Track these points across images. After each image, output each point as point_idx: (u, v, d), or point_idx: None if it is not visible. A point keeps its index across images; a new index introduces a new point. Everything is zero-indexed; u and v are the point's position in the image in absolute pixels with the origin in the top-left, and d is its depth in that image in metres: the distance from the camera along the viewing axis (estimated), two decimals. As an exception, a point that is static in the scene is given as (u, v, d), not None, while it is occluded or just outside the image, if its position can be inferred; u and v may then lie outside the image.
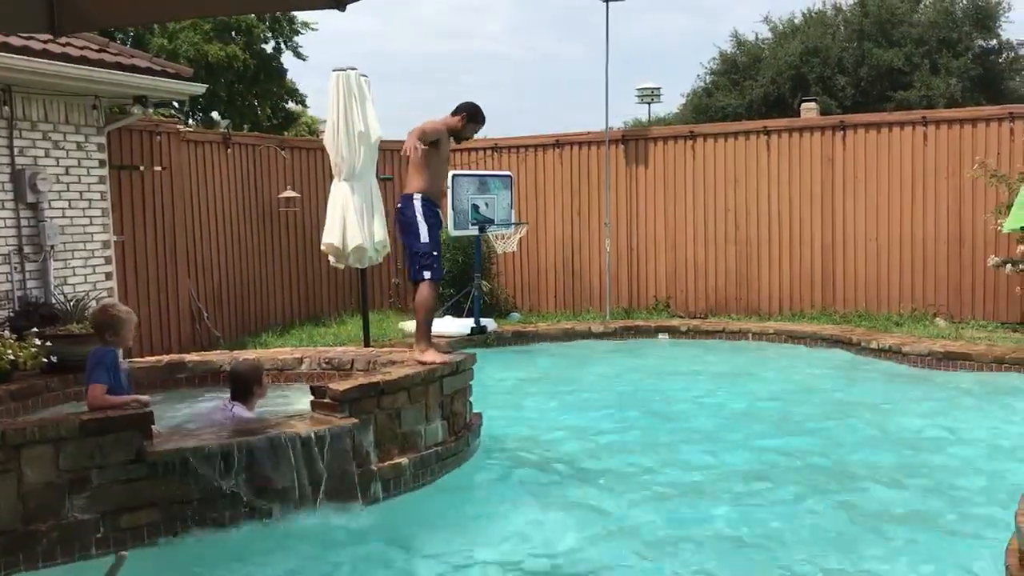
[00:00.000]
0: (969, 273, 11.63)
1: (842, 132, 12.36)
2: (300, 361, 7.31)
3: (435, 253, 6.60)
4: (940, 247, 11.78)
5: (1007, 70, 27.09)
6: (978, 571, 4.49)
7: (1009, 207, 10.20)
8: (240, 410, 5.76)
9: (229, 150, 11.79)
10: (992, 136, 11.49)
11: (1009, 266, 10.84)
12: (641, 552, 4.88)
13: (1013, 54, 27.28)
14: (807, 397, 8.54)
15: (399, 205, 6.75)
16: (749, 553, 4.86)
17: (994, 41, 27.10)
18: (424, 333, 6.56)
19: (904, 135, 12.00)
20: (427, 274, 6.58)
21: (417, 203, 6.61)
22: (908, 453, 6.65)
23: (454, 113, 6.84)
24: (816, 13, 28.91)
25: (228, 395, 5.97)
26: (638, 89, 25.45)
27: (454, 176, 11.73)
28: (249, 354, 6.24)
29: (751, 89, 27.50)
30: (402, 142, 6.62)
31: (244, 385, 5.88)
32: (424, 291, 6.61)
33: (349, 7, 3.64)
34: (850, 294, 12.30)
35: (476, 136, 8.35)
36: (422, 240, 6.56)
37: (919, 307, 11.80)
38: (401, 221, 6.72)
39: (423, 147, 6.47)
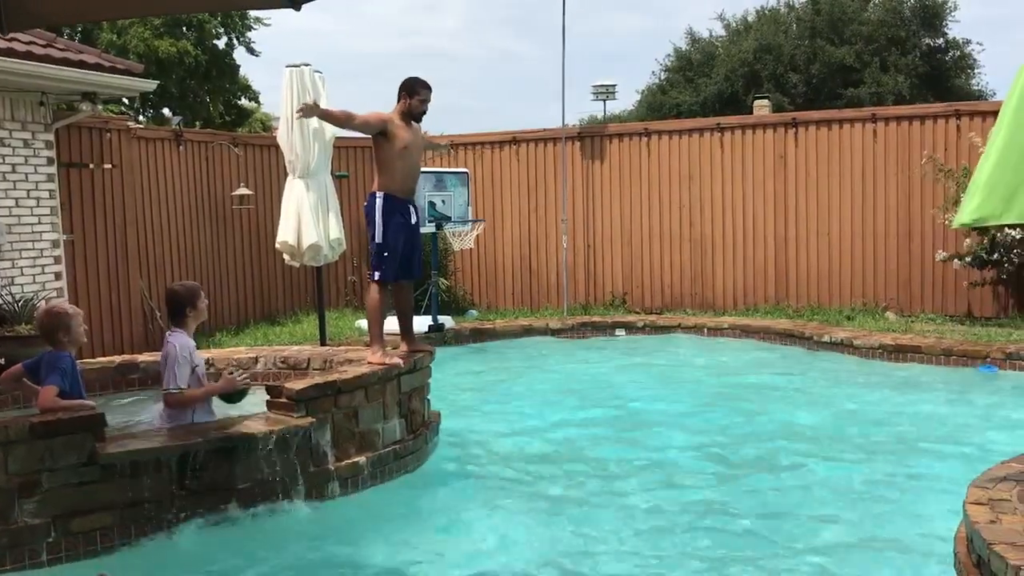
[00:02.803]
0: (918, 267, 11.85)
1: (794, 129, 12.52)
2: (255, 360, 7.24)
3: (386, 254, 6.44)
4: (890, 242, 11.99)
5: (953, 68, 27.64)
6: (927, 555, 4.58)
7: (956, 202, 10.42)
8: (178, 337, 5.48)
9: (181, 147, 11.63)
10: (939, 133, 11.71)
11: (957, 260, 11.07)
12: (600, 550, 4.90)
13: (959, 52, 27.83)
14: (759, 391, 8.66)
15: (365, 203, 6.66)
16: (700, 538, 4.92)
17: (941, 40, 27.64)
18: (374, 334, 6.51)
19: (855, 132, 12.20)
20: (376, 274, 6.51)
21: (378, 201, 6.46)
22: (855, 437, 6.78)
23: (398, 100, 6.60)
24: (769, 11, 29.27)
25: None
26: (594, 86, 25.58)
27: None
28: (203, 354, 6.14)
29: (705, 86, 27.75)
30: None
31: (177, 307, 5.59)
32: (370, 292, 6.57)
33: (304, 6, 3.62)
34: (803, 289, 12.48)
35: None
36: (375, 239, 6.47)
37: (870, 301, 12.00)
38: (367, 223, 6.64)
39: (313, 112, 6.32)
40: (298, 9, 3.61)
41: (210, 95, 25.40)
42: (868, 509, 5.42)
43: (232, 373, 5.82)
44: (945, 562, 4.30)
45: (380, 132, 6.43)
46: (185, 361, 5.40)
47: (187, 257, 11.66)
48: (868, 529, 5.10)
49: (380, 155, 6.49)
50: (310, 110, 6.33)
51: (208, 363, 6.11)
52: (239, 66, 25.95)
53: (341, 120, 6.40)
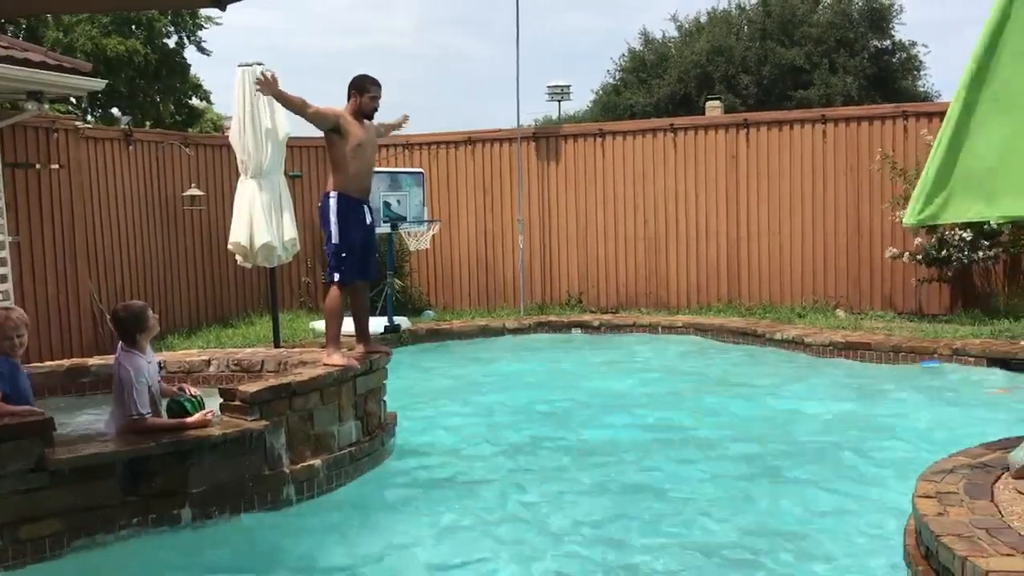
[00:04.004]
0: (867, 265, 12.05)
1: (746, 130, 12.67)
2: (208, 363, 7.16)
3: (344, 255, 6.39)
4: (840, 240, 12.18)
5: (900, 70, 28.12)
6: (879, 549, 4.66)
7: (907, 199, 10.62)
8: (130, 359, 5.33)
9: (131, 147, 11.44)
10: (887, 133, 11.92)
11: (907, 255, 11.27)
12: (560, 553, 4.91)
13: (905, 54, 28.34)
14: (716, 386, 8.75)
15: (320, 203, 6.61)
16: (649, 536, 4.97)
17: (888, 42, 28.12)
18: (331, 335, 6.47)
19: (805, 132, 12.37)
20: (335, 275, 6.45)
21: (332, 202, 6.40)
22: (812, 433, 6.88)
23: (348, 99, 6.55)
24: (721, 13, 29.56)
25: None
26: (548, 87, 25.68)
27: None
28: (155, 356, 6.04)
29: (659, 87, 27.94)
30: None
31: (123, 332, 5.46)
32: (330, 294, 6.51)
33: (231, 5, 3.59)
34: (755, 287, 12.63)
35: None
36: (332, 240, 6.41)
37: (821, 299, 12.18)
38: (321, 223, 6.57)
39: (270, 89, 6.18)
40: (223, 8, 3.59)
41: (160, 94, 25.01)
42: (815, 505, 5.50)
43: (197, 398, 5.61)
44: (895, 555, 4.37)
45: (333, 128, 6.36)
46: (142, 385, 5.26)
47: (137, 258, 11.48)
48: (816, 525, 5.17)
49: (334, 153, 6.43)
50: (267, 85, 6.18)
51: (160, 366, 6.00)
52: (190, 65, 25.58)
53: (296, 105, 6.27)
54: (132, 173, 11.46)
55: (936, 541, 3.72)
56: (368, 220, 6.61)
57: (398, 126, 7.33)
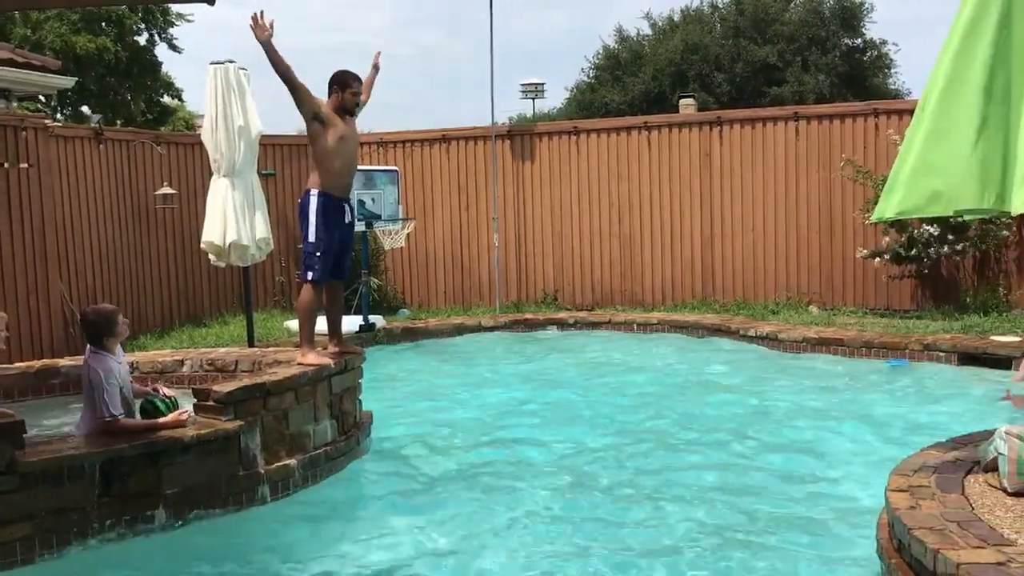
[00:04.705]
0: (840, 262, 12.15)
1: (719, 127, 12.73)
2: (181, 363, 7.10)
3: (318, 253, 6.31)
4: (812, 237, 12.27)
5: (871, 67, 28.38)
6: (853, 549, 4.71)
7: (876, 201, 10.72)
8: (99, 361, 5.29)
9: (102, 146, 11.32)
10: (859, 131, 12.03)
11: (877, 259, 11.38)
12: (536, 551, 4.91)
13: (876, 52, 28.61)
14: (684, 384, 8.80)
15: (299, 200, 6.53)
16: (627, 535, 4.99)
17: (859, 40, 28.37)
18: (304, 335, 6.43)
19: (777, 130, 12.45)
20: (309, 274, 6.39)
21: (312, 199, 6.31)
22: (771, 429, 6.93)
23: (329, 95, 6.44)
24: (694, 11, 29.69)
25: None
26: (522, 85, 25.60)
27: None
28: (127, 357, 5.98)
29: (633, 85, 28.02)
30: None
31: (92, 335, 5.41)
32: (303, 293, 6.46)
33: (219, 1, 3.57)
34: (728, 284, 12.70)
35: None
36: (308, 238, 6.35)
37: (794, 295, 12.26)
38: (299, 219, 6.48)
39: (265, 35, 5.95)
40: (212, 3, 3.57)
41: (131, 92, 24.78)
42: (787, 497, 5.54)
43: (171, 399, 5.57)
44: (868, 548, 4.41)
45: (315, 117, 6.24)
46: (113, 387, 5.21)
47: (109, 258, 11.36)
48: (789, 519, 5.21)
49: (316, 148, 6.34)
50: (260, 28, 5.96)
51: (132, 367, 5.95)
52: (161, 63, 25.36)
53: (283, 68, 6.09)
54: (103, 172, 11.34)
55: (909, 534, 3.77)
56: (347, 219, 6.56)
57: (376, 67, 7.13)
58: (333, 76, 6.46)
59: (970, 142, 4.17)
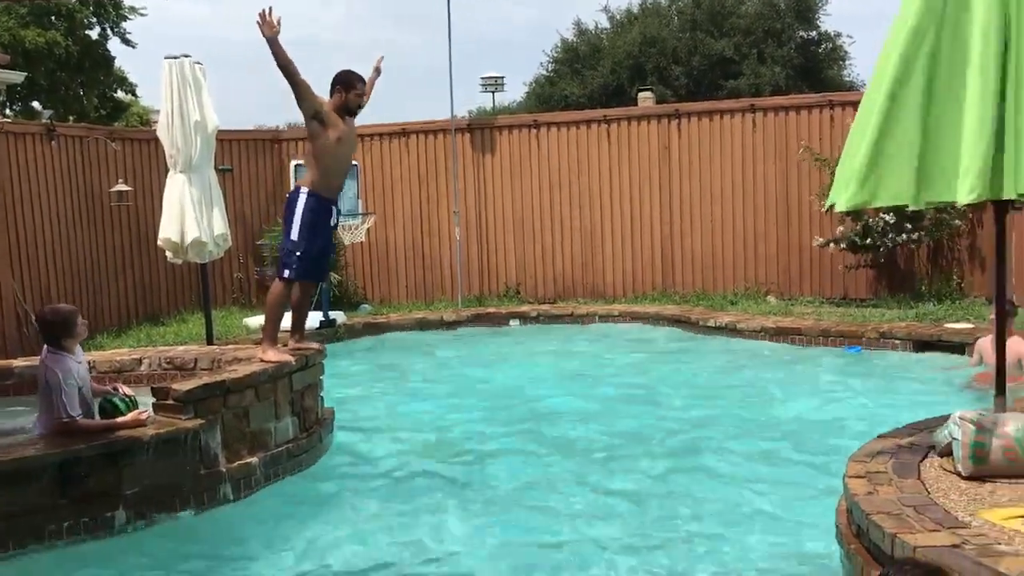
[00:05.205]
0: (796, 252, 12.30)
1: (677, 120, 12.81)
2: (139, 362, 7.01)
3: (297, 253, 6.20)
4: (770, 228, 12.41)
5: (826, 60, 28.74)
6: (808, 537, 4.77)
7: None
8: (57, 361, 5.19)
9: (54, 142, 11.12)
10: (814, 122, 12.17)
11: (832, 245, 11.54)
12: (501, 541, 4.93)
13: (831, 44, 28.97)
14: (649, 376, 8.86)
15: (288, 195, 6.39)
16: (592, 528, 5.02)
17: (814, 32, 28.72)
18: (268, 331, 6.37)
19: (735, 122, 12.56)
20: (285, 272, 6.28)
21: (302, 198, 6.17)
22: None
23: (331, 94, 6.33)
24: (652, 4, 29.83)
25: None
26: (482, 78, 25.64)
27: (296, 166, 11.48)
28: (85, 356, 5.89)
29: (592, 78, 28.10)
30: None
31: (49, 335, 5.32)
32: (274, 289, 6.40)
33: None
34: (688, 275, 12.80)
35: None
36: (290, 237, 6.22)
37: (752, 286, 12.39)
38: (284, 215, 6.36)
39: (274, 31, 5.82)
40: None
41: (83, 88, 24.35)
42: (744, 485, 5.61)
43: (131, 398, 5.49)
44: (827, 534, 4.48)
45: (315, 116, 6.12)
46: (72, 387, 5.13)
47: (63, 256, 11.18)
48: (748, 506, 5.27)
49: (314, 146, 6.22)
50: (268, 25, 5.83)
51: (90, 365, 5.86)
52: (114, 57, 24.94)
53: (287, 64, 5.95)
54: (55, 169, 11.14)
55: (867, 519, 3.83)
56: (332, 222, 6.47)
57: (378, 70, 7.02)
58: (337, 76, 6.34)
59: (919, 133, 4.25)
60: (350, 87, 6.28)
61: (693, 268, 12.77)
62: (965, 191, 4.09)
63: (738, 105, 12.95)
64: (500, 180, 13.43)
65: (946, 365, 8.38)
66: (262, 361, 6.16)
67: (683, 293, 12.63)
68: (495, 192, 13.47)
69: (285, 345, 6.59)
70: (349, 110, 6.34)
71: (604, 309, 12.07)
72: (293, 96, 6.20)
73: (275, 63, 6.03)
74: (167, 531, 5.08)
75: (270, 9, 5.89)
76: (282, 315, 6.46)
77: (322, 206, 6.26)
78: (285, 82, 6.27)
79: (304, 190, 6.22)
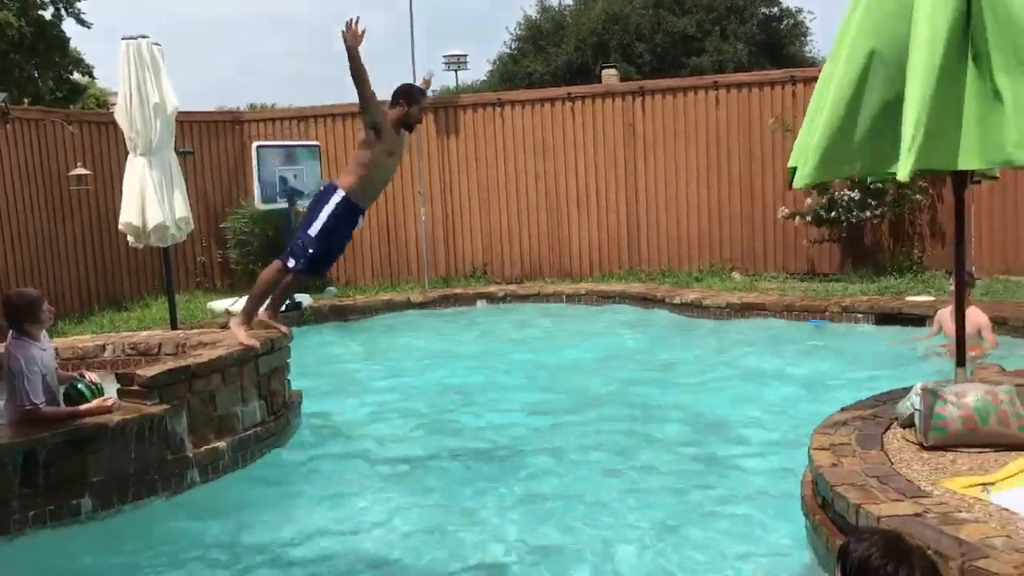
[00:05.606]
0: (760, 228, 12.39)
1: (642, 97, 12.82)
2: (102, 348, 6.92)
3: (311, 250, 6.02)
4: (734, 205, 12.49)
5: (788, 36, 28.86)
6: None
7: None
8: (20, 348, 5.12)
9: (8, 125, 10.90)
10: (777, 98, 12.24)
11: (797, 217, 11.63)
12: (464, 527, 4.92)
13: (792, 21, 29.09)
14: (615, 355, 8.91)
15: (323, 187, 6.18)
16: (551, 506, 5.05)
17: (776, 8, 28.82)
18: (248, 307, 6.25)
19: (698, 99, 12.60)
20: (291, 262, 6.08)
21: (336, 198, 5.99)
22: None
23: (392, 105, 6.13)
24: (614, -20, 29.73)
25: None
26: (444, 56, 25.36)
27: (258, 147, 11.36)
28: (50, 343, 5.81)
29: (556, 56, 28.01)
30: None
31: (12, 319, 5.23)
32: (272, 268, 6.19)
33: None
34: (654, 253, 12.86)
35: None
36: (308, 231, 6.03)
37: (717, 262, 12.48)
38: (315, 197, 6.19)
39: (357, 41, 5.68)
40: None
41: (38, 70, 23.84)
42: (714, 461, 5.67)
43: (96, 385, 5.42)
44: (793, 506, 4.54)
45: (374, 126, 5.95)
46: (35, 374, 5.05)
47: (21, 242, 10.99)
48: (713, 481, 5.34)
49: (363, 154, 6.04)
50: (353, 36, 5.63)
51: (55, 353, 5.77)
52: (69, 38, 24.41)
53: (363, 75, 5.77)
54: (11, 153, 10.93)
55: (831, 491, 3.89)
56: (356, 229, 6.32)
57: (427, 83, 6.89)
58: (401, 89, 6.18)
59: (870, 110, 4.31)
60: (413, 101, 6.13)
61: (659, 245, 12.83)
62: (907, 166, 4.12)
63: (702, 82, 12.99)
64: (464, 159, 13.38)
65: (907, 337, 8.50)
66: (231, 329, 6.05)
67: (649, 271, 12.69)
68: (460, 171, 13.41)
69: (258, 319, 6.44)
70: (408, 125, 6.19)
71: (571, 288, 12.09)
72: (358, 102, 5.96)
73: (349, 71, 5.79)
74: (135, 518, 5.05)
75: (357, 19, 5.72)
76: (268, 295, 6.31)
77: (352, 212, 6.09)
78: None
79: (341, 192, 6.01)
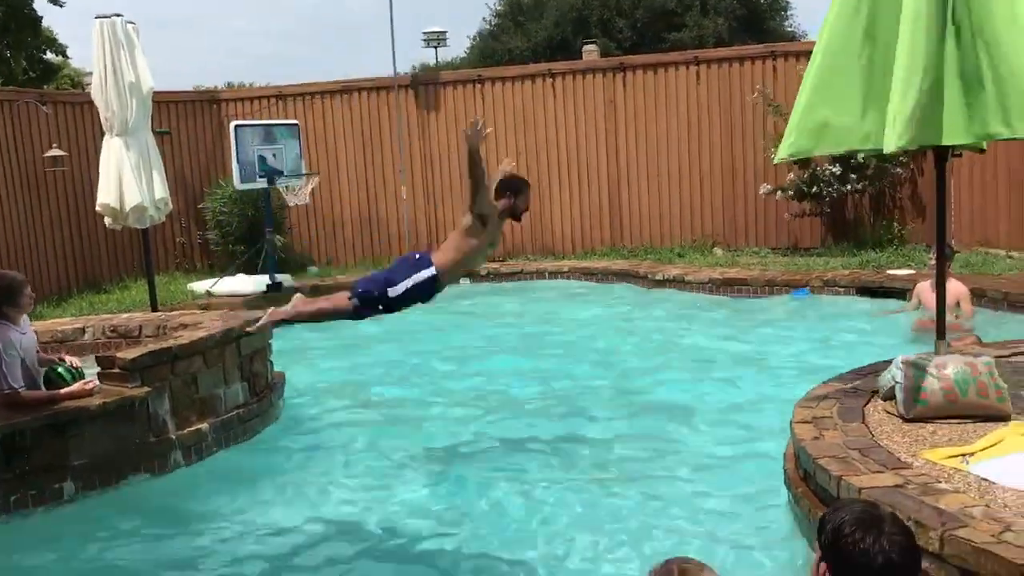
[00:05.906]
0: (742, 203, 12.41)
1: (622, 73, 12.78)
2: (82, 331, 6.88)
3: (380, 306, 5.79)
4: (715, 180, 12.49)
5: (768, 10, 28.81)
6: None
7: (780, 136, 10.96)
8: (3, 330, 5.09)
9: (-19, 107, 10.76)
10: (757, 73, 12.22)
11: (779, 192, 11.65)
12: (440, 510, 4.94)
13: (773, -5, 29.06)
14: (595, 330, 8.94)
15: (417, 256, 5.90)
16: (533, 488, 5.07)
17: (756, -17, 28.76)
18: (292, 316, 5.77)
19: (679, 75, 12.57)
20: (355, 301, 5.76)
21: (426, 273, 5.76)
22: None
23: (498, 196, 5.89)
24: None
25: None
26: (424, 33, 25.23)
27: (236, 127, 11.25)
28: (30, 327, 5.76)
29: (536, 32, 27.87)
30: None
31: None
32: (339, 302, 5.85)
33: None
34: (636, 230, 12.86)
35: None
36: (389, 292, 5.74)
37: (699, 238, 12.50)
38: (405, 261, 5.97)
39: (479, 139, 5.48)
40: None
41: (10, 50, 23.51)
42: (699, 433, 5.71)
43: (77, 369, 5.37)
44: (776, 478, 4.58)
45: (481, 217, 5.77)
46: (13, 358, 5.01)
47: (-3, 225, 10.87)
48: (699, 452, 5.37)
49: (464, 239, 5.85)
50: (477, 135, 5.48)
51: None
52: (41, 17, 24.06)
53: (482, 171, 5.64)
54: (-15, 134, 10.79)
55: (813, 463, 3.92)
56: (425, 300, 6.03)
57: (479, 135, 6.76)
58: (509, 182, 6.01)
59: (854, 85, 4.34)
60: (520, 193, 5.97)
61: (640, 222, 12.83)
62: (892, 140, 4.14)
63: (682, 57, 12.95)
64: (446, 137, 13.30)
65: (888, 310, 8.56)
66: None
67: (631, 247, 12.70)
68: (441, 149, 13.34)
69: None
70: (515, 215, 6.03)
71: (554, 266, 12.09)
72: (471, 195, 5.72)
73: (468, 166, 5.66)
74: (117, 500, 5.03)
75: (483, 123, 5.61)
76: (318, 321, 6.18)
77: (434, 289, 5.89)
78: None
79: (433, 269, 5.81)
